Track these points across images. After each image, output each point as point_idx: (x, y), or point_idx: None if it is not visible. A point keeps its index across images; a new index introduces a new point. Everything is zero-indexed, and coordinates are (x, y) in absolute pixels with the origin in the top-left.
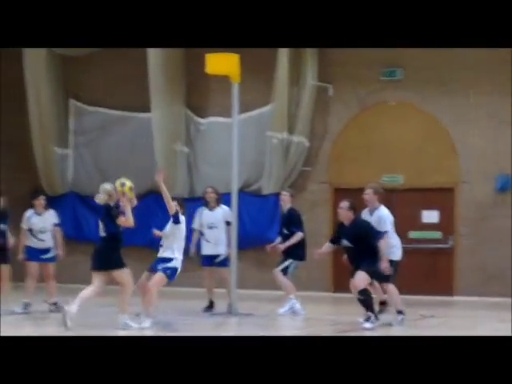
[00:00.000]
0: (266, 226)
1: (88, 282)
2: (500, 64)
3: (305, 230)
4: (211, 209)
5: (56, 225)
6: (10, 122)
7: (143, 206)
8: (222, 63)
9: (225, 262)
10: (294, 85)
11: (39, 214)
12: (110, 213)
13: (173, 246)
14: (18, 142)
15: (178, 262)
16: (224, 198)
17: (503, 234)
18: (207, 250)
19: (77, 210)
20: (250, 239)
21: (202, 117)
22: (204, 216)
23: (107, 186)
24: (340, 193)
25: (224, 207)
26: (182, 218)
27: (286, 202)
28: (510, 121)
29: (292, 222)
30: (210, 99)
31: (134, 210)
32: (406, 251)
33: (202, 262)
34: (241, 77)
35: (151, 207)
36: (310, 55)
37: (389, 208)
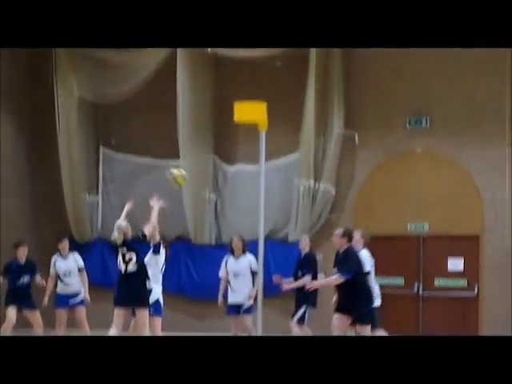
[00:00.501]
0: (291, 273)
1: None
2: None
3: (317, 276)
4: (237, 257)
5: (80, 269)
6: (40, 170)
7: (172, 253)
8: (250, 111)
9: (250, 310)
10: (321, 133)
11: (64, 258)
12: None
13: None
14: (47, 190)
15: (156, 293)
16: (250, 245)
17: None
18: (233, 298)
19: (105, 256)
20: (276, 287)
21: (230, 164)
22: (229, 264)
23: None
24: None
25: (250, 256)
26: (163, 251)
27: (304, 246)
28: None
29: (305, 265)
30: (238, 147)
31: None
32: (432, 299)
33: (227, 310)
34: (268, 125)
35: (180, 254)
36: (337, 103)
37: (416, 255)
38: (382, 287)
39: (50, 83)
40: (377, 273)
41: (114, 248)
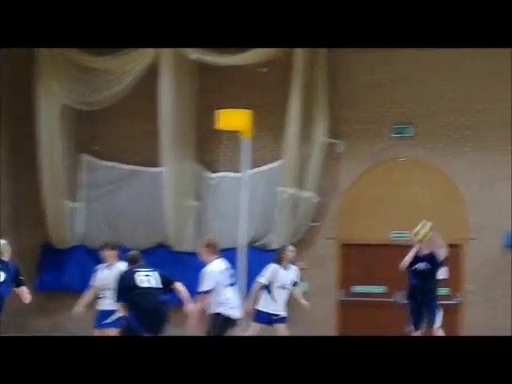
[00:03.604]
0: None
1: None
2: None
3: None
4: (286, 267)
5: None
6: (21, 175)
7: (152, 260)
8: (233, 119)
9: (284, 320)
10: (305, 141)
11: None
12: None
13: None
14: (28, 195)
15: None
16: (232, 253)
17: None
18: (270, 307)
19: (85, 262)
20: None
21: (213, 172)
22: (279, 275)
23: None
24: (348, 248)
25: (294, 267)
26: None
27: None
28: None
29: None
30: (221, 154)
31: None
32: None
33: (257, 317)
34: (251, 132)
35: (160, 261)
36: (321, 111)
37: (399, 264)
38: (365, 295)
39: (32, 88)
40: (361, 281)
41: (93, 254)
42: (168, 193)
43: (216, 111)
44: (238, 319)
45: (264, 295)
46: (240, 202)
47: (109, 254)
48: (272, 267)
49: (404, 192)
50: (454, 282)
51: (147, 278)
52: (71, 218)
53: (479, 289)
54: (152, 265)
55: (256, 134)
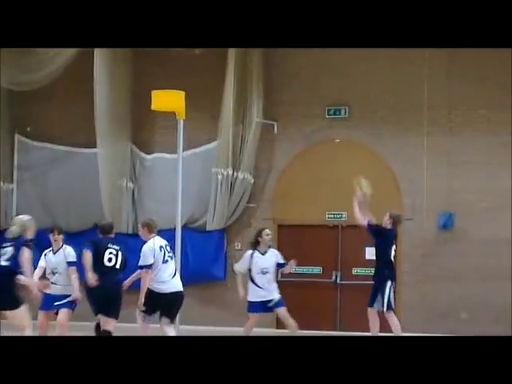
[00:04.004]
0: (209, 263)
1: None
2: (442, 103)
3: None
4: (264, 252)
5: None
6: None
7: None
8: (167, 100)
9: (281, 303)
10: (240, 122)
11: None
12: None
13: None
14: None
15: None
16: (168, 234)
17: (446, 271)
18: (260, 295)
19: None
20: (193, 275)
21: (148, 153)
22: (256, 260)
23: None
24: (284, 229)
25: (274, 251)
26: None
27: (385, 224)
28: (453, 160)
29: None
30: (156, 135)
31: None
32: (350, 287)
33: (251, 307)
34: (186, 114)
35: None
36: (256, 93)
37: (334, 245)
38: (300, 276)
39: None
40: (297, 262)
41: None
42: (103, 174)
43: (151, 92)
44: (172, 294)
45: (250, 285)
46: (175, 183)
47: (56, 238)
48: (246, 254)
49: (339, 173)
50: None
51: (113, 256)
52: (5, 200)
53: (413, 269)
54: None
55: (191, 116)
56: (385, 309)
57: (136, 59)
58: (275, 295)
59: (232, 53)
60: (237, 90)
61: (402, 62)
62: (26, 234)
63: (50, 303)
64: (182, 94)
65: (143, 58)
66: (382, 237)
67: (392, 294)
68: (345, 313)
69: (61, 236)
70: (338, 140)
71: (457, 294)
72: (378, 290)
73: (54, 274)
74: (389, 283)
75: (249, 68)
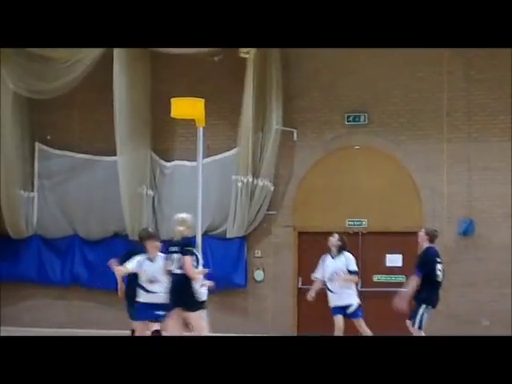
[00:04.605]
0: (230, 270)
1: (52, 325)
2: (462, 109)
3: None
4: (334, 257)
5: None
6: None
7: (108, 249)
8: (187, 107)
9: (357, 313)
10: (259, 129)
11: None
12: None
13: None
14: None
15: None
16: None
17: (467, 278)
18: (337, 302)
19: (41, 252)
20: (213, 283)
21: (168, 160)
22: (326, 265)
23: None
24: (304, 236)
25: (347, 254)
26: None
27: (422, 241)
28: (473, 166)
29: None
30: (176, 143)
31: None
32: (371, 295)
33: (333, 311)
34: (206, 121)
35: (117, 250)
36: (275, 100)
37: (354, 251)
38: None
39: None
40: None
41: (49, 244)
42: (123, 182)
43: (170, 100)
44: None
45: (328, 292)
46: (195, 190)
47: (152, 245)
48: (321, 259)
49: (359, 180)
50: (409, 269)
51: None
52: (26, 208)
53: None
54: (108, 254)
55: (211, 123)
56: (416, 326)
57: (155, 67)
58: (350, 301)
59: (251, 60)
60: (256, 97)
61: (421, 69)
62: (184, 233)
63: (142, 313)
64: (202, 101)
65: (162, 66)
66: (428, 263)
67: (426, 315)
68: (365, 320)
69: (157, 243)
70: (357, 147)
71: (478, 301)
72: (414, 311)
73: (151, 282)
74: (423, 306)
75: (268, 74)
